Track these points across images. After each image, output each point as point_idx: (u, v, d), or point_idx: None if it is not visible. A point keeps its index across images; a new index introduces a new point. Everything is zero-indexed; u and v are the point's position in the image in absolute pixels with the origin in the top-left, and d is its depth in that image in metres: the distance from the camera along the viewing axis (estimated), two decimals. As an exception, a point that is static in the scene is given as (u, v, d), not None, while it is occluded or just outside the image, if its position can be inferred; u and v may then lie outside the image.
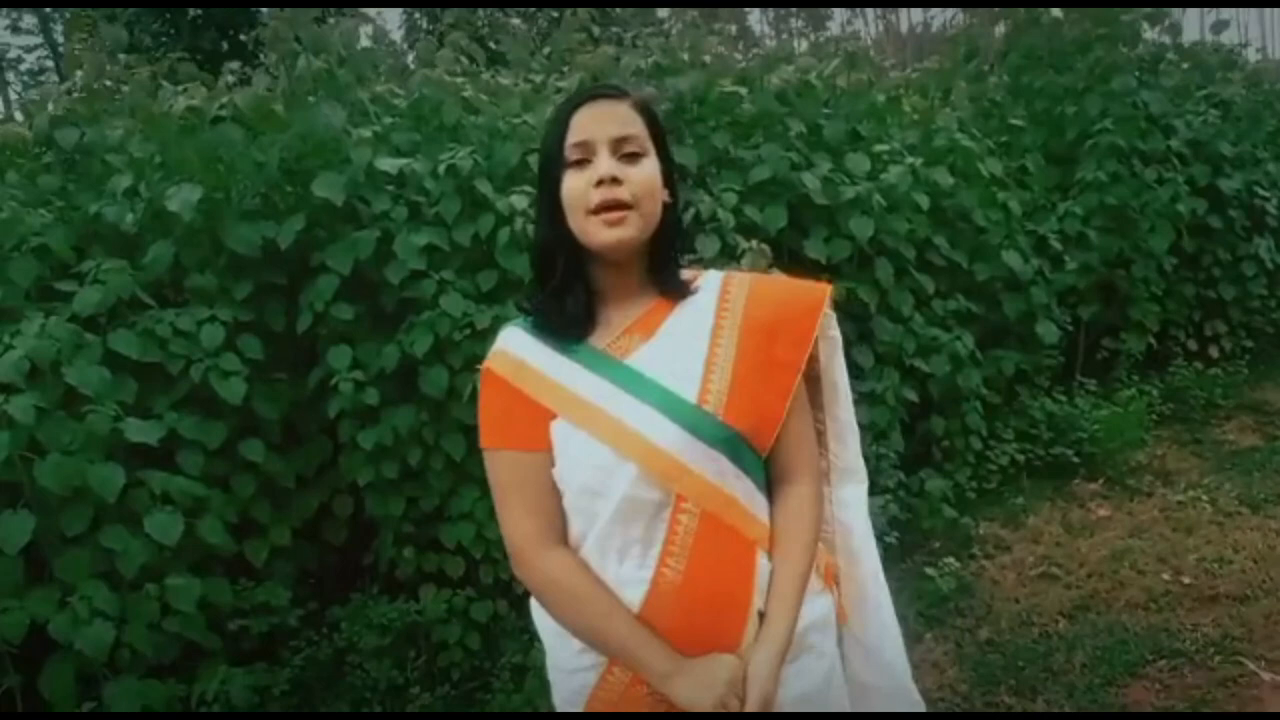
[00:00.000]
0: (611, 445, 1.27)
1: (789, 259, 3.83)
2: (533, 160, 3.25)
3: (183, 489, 2.73)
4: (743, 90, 3.69)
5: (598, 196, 1.26)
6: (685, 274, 1.42)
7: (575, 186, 1.29)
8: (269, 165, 3.03)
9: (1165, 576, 3.68)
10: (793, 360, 1.35)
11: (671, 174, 1.38)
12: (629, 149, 1.29)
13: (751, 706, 1.23)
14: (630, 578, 1.29)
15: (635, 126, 1.30)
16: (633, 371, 1.31)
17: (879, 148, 4.18)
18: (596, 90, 1.36)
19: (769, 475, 1.39)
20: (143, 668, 2.61)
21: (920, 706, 1.63)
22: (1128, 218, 5.21)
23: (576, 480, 1.30)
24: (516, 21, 3.89)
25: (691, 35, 3.77)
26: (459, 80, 3.13)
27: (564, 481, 1.31)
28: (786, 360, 1.34)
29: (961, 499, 4.24)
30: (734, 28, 4.31)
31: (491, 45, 4.08)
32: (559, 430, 1.30)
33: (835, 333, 1.45)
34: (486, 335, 3.08)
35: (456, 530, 3.20)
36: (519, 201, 3.09)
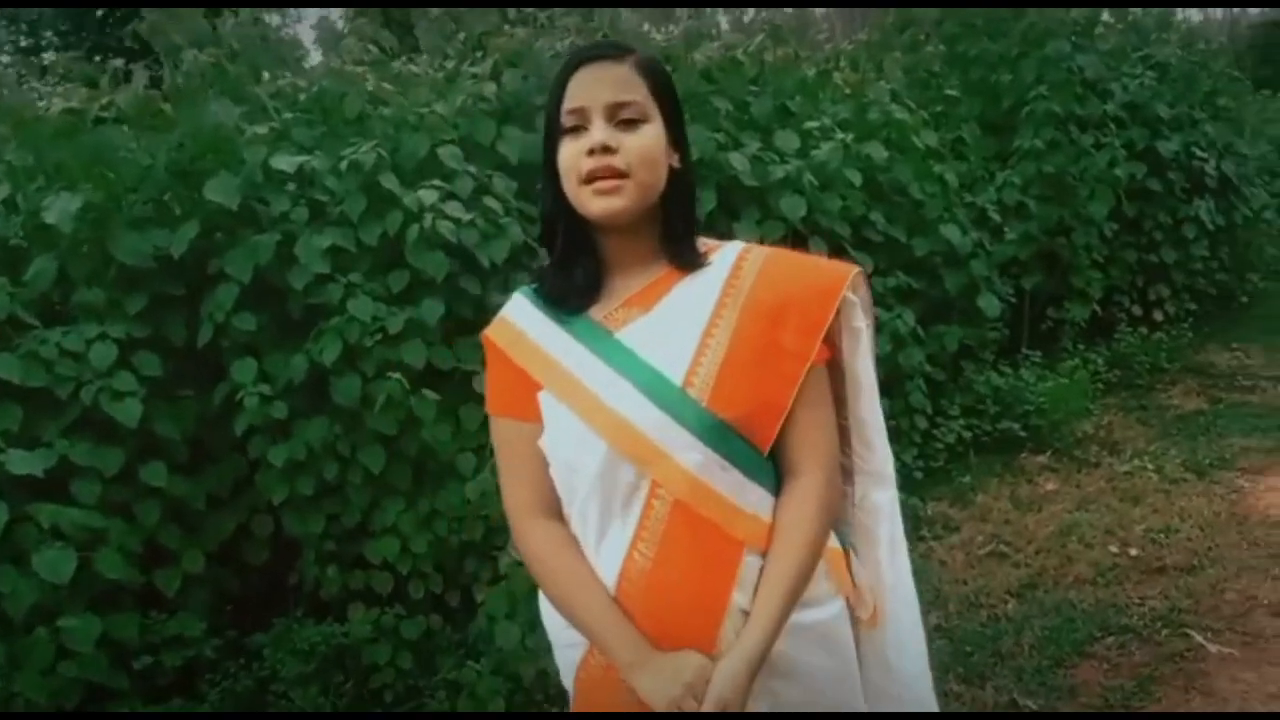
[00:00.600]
0: (586, 420, 1.23)
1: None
2: (442, 152, 3.09)
3: (76, 521, 2.55)
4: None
5: (589, 165, 1.20)
6: (705, 244, 1.34)
7: (569, 154, 1.23)
8: (157, 168, 2.84)
9: (1113, 549, 3.64)
10: (800, 349, 1.24)
11: (682, 138, 1.30)
12: (626, 115, 1.22)
13: (707, 709, 1.15)
14: (606, 558, 1.25)
15: (634, 90, 1.22)
16: (620, 345, 1.25)
17: (809, 124, 4.07)
18: (595, 49, 1.29)
19: (780, 470, 1.29)
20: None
21: None
22: (1066, 185, 5.16)
23: (557, 454, 1.27)
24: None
25: (610, 14, 3.62)
26: (360, 70, 2.95)
27: (548, 453, 1.28)
28: (793, 348, 1.24)
29: (908, 479, 4.17)
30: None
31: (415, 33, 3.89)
32: (544, 401, 1.27)
33: (860, 323, 1.33)
34: (400, 340, 2.93)
35: (381, 545, 3.05)
36: (428, 196, 2.93)
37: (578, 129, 1.22)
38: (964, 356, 4.75)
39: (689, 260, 1.30)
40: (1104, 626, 3.11)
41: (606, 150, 1.20)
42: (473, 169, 3.10)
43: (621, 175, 1.21)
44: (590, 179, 1.21)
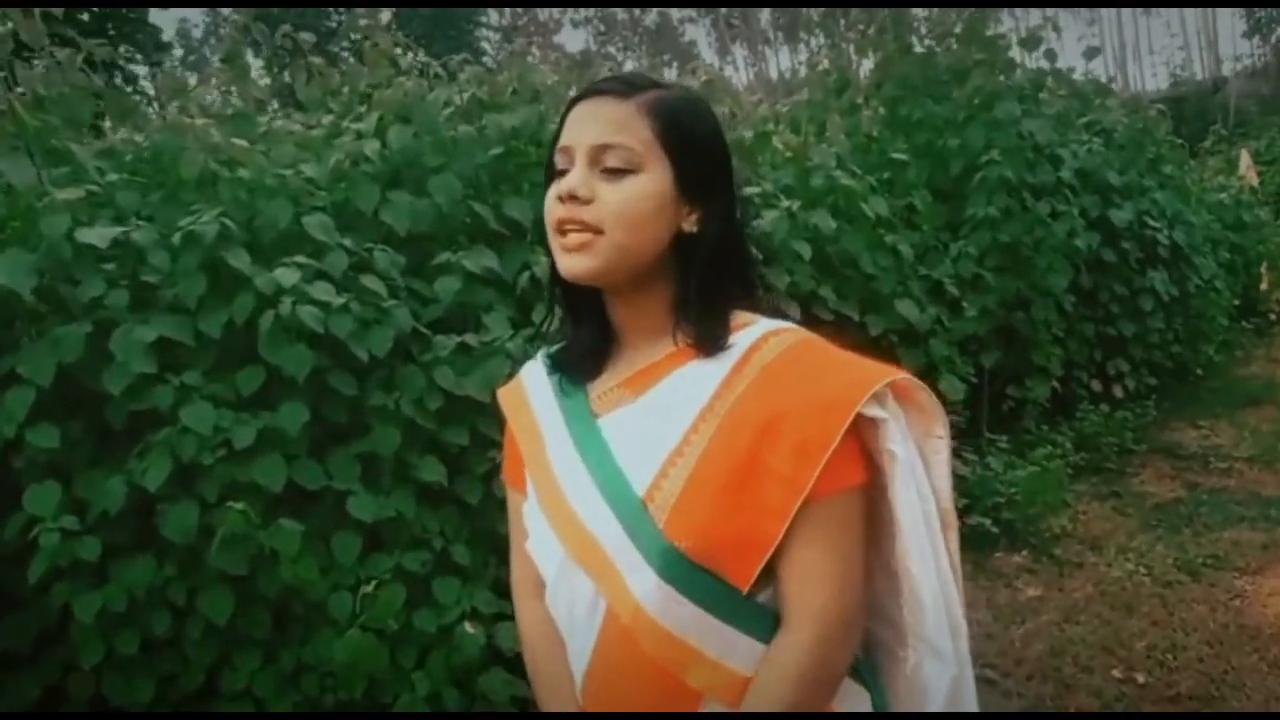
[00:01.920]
0: (548, 514, 1.12)
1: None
2: (309, 221, 2.53)
3: None
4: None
5: (559, 214, 1.05)
6: (741, 318, 1.11)
7: (548, 200, 1.07)
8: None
9: (1116, 674, 3.12)
10: (793, 475, 0.99)
11: (711, 196, 1.08)
12: (611, 161, 1.03)
13: None
14: (575, 661, 1.13)
15: (628, 133, 1.04)
16: (599, 435, 1.11)
17: (749, 190, 3.60)
18: (603, 82, 1.10)
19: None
20: None
21: None
22: (1022, 255, 4.79)
23: (531, 543, 1.18)
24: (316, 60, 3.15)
25: (518, 65, 3.13)
26: (203, 122, 2.39)
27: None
28: (784, 473, 1.00)
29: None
30: (562, 56, 3.70)
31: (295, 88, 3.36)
32: (529, 479, 1.18)
33: (895, 445, 1.03)
34: (251, 455, 2.32)
35: (232, 711, 2.40)
36: (288, 276, 2.35)
37: (565, 172, 1.06)
38: (925, 445, 4.26)
39: (700, 341, 1.08)
40: (1123, 781, 2.58)
41: (574, 199, 1.03)
42: (348, 242, 2.54)
43: (594, 230, 1.03)
44: (561, 230, 1.05)
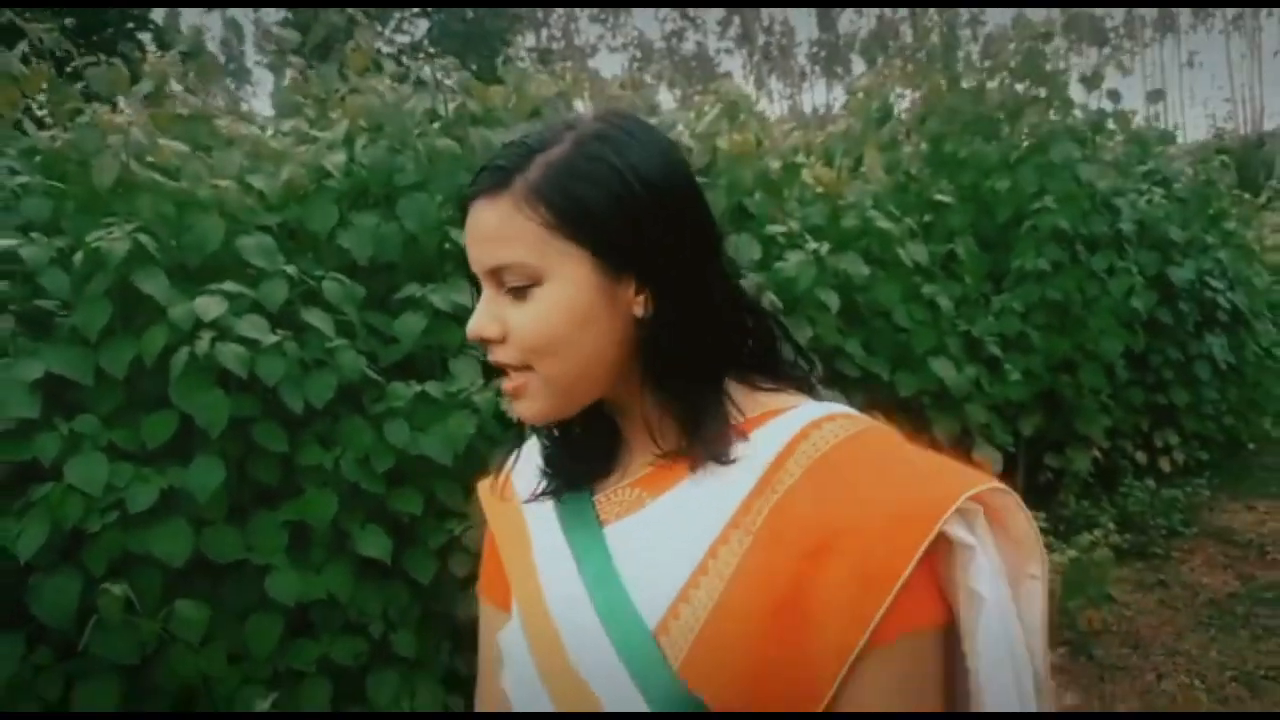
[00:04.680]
0: (531, 644, 0.86)
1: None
2: (245, 243, 2.15)
3: None
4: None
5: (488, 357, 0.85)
6: (770, 400, 0.87)
7: None
8: None
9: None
10: (850, 606, 0.74)
11: (659, 267, 0.81)
12: (510, 281, 0.81)
13: None
14: None
15: (513, 243, 0.79)
16: (602, 547, 0.85)
17: (773, 228, 3.20)
18: (477, 178, 0.82)
19: None
20: None
21: None
22: (1072, 314, 4.35)
23: (507, 679, 0.91)
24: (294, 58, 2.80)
25: (515, 74, 2.75)
26: (123, 119, 2.01)
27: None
28: (839, 603, 0.74)
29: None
30: (569, 69, 3.34)
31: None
32: (513, 599, 0.92)
33: (985, 586, 0.75)
34: (150, 521, 1.93)
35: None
36: (211, 307, 1.97)
37: None
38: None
39: (687, 452, 0.84)
40: None
41: (485, 342, 0.83)
42: (292, 270, 2.16)
43: (522, 368, 0.82)
44: (497, 369, 0.85)
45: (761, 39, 48.57)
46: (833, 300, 3.16)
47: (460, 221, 0.86)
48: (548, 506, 0.93)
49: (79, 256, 1.94)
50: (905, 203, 4.31)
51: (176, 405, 1.98)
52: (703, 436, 0.84)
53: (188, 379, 1.96)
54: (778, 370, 0.91)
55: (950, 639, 0.80)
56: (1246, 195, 6.23)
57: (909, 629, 0.76)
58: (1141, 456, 5.23)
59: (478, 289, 0.85)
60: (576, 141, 0.81)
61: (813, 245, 3.22)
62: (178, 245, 2.11)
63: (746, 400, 0.87)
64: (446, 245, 2.58)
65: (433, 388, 2.30)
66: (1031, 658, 0.80)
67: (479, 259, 0.83)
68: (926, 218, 4.18)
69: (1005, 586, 0.79)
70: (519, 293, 0.82)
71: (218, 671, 2.02)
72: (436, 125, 2.74)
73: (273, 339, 2.04)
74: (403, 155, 2.51)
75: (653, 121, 2.77)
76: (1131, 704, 3.30)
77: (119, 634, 1.88)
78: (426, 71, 2.61)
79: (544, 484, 0.93)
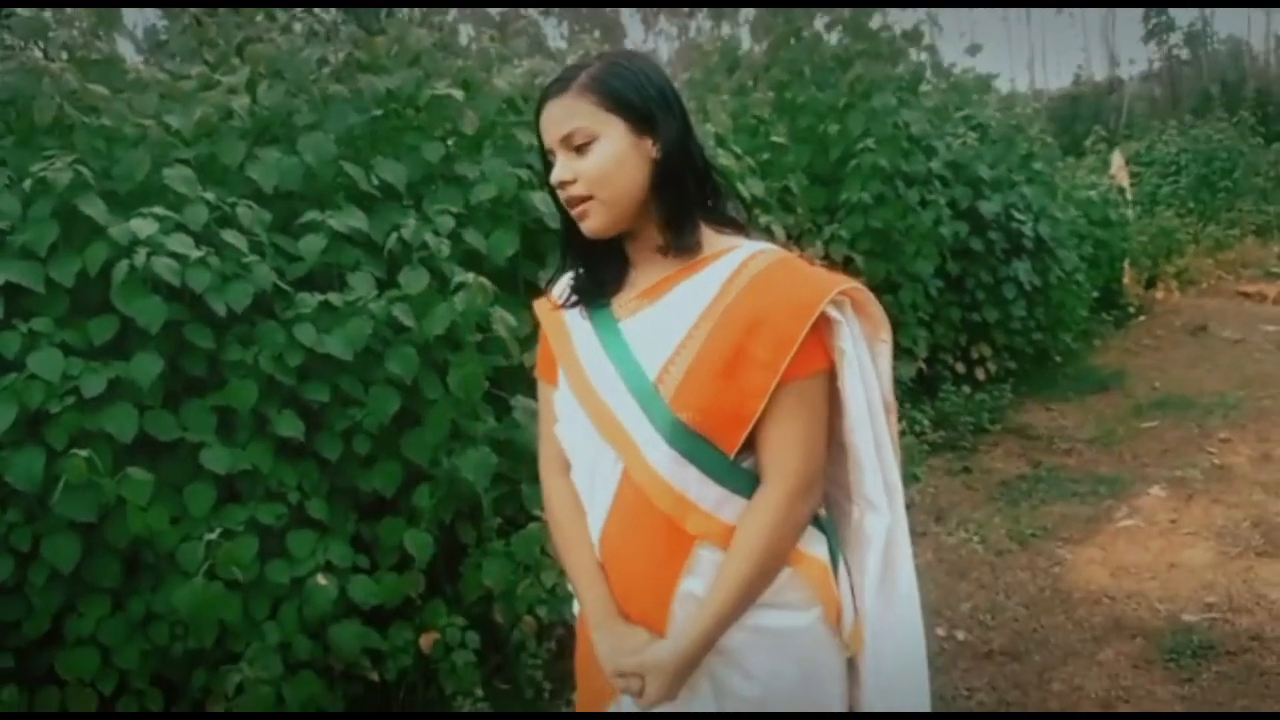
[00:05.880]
0: (577, 396, 1.37)
1: (527, 291, 3.28)
2: (169, 173, 2.53)
3: None
4: (460, 94, 3.10)
5: (562, 195, 1.32)
6: (725, 240, 1.37)
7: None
8: None
9: (940, 631, 3.38)
10: (770, 361, 1.26)
11: (664, 125, 1.31)
12: (577, 141, 1.29)
13: (646, 698, 1.29)
14: (593, 522, 1.39)
15: (578, 115, 1.29)
16: (620, 335, 1.35)
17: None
18: (547, 88, 1.34)
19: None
20: None
21: None
22: (892, 241, 5.03)
23: (559, 425, 1.44)
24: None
25: (397, 26, 3.16)
26: (57, 66, 2.36)
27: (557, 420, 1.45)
28: (763, 360, 1.27)
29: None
30: (447, 21, 3.73)
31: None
32: (560, 371, 1.43)
33: (846, 344, 1.28)
34: (101, 404, 2.34)
35: (75, 659, 2.43)
36: (144, 226, 2.36)
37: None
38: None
39: (683, 249, 1.34)
40: (931, 727, 2.81)
41: (563, 184, 1.31)
42: (210, 196, 2.55)
43: (586, 198, 1.30)
44: (569, 205, 1.32)
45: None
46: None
47: (535, 117, 1.33)
48: (578, 314, 1.41)
49: (28, 184, 2.30)
50: (752, 144, 4.87)
51: (119, 309, 2.37)
52: (682, 241, 1.34)
53: (128, 287, 2.35)
54: (727, 218, 1.40)
55: (832, 384, 1.31)
56: (1050, 139, 7.05)
57: (804, 374, 1.28)
58: (960, 367, 6.02)
59: (548, 166, 1.32)
60: (607, 61, 1.33)
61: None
62: (109, 175, 2.47)
63: (712, 238, 1.36)
64: (339, 178, 2.99)
65: (334, 297, 2.74)
66: (881, 388, 1.35)
67: (555, 132, 1.29)
68: (765, 157, 4.74)
69: (864, 345, 1.32)
70: (581, 150, 1.28)
71: (161, 529, 2.45)
72: (327, 71, 3.12)
73: (198, 254, 2.44)
74: (299, 99, 2.90)
75: (518, 70, 3.26)
76: (928, 559, 4.02)
77: (82, 494, 2.28)
78: (326, 19, 2.99)
79: (578, 298, 1.42)
